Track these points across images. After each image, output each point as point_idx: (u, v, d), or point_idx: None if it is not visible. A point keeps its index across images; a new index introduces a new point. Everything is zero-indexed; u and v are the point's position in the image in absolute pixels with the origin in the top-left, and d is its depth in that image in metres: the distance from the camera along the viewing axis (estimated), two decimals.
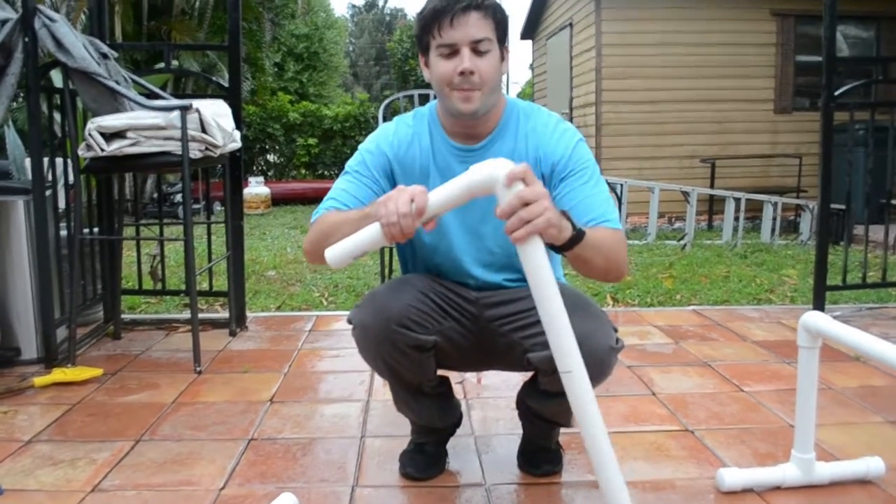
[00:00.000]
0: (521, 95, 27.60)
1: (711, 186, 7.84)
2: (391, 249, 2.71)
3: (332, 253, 1.25)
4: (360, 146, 1.62)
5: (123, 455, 1.95)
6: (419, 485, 1.76)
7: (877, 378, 2.50)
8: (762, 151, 8.31)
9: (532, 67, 14.54)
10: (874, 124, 4.07)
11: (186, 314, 3.48)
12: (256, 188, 9.66)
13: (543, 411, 1.67)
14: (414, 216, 1.18)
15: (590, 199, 1.46)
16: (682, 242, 6.06)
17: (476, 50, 1.44)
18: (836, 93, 3.44)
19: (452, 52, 1.44)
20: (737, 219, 6.48)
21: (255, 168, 12.01)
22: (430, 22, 1.45)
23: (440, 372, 1.69)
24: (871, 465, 1.73)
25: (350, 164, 1.60)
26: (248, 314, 3.49)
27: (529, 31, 12.69)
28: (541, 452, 1.79)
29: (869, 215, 4.53)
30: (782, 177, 8.18)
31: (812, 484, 1.70)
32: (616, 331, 1.50)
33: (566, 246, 1.27)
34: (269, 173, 12.12)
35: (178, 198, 7.67)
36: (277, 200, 10.14)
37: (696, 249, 5.86)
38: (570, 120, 9.51)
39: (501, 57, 1.49)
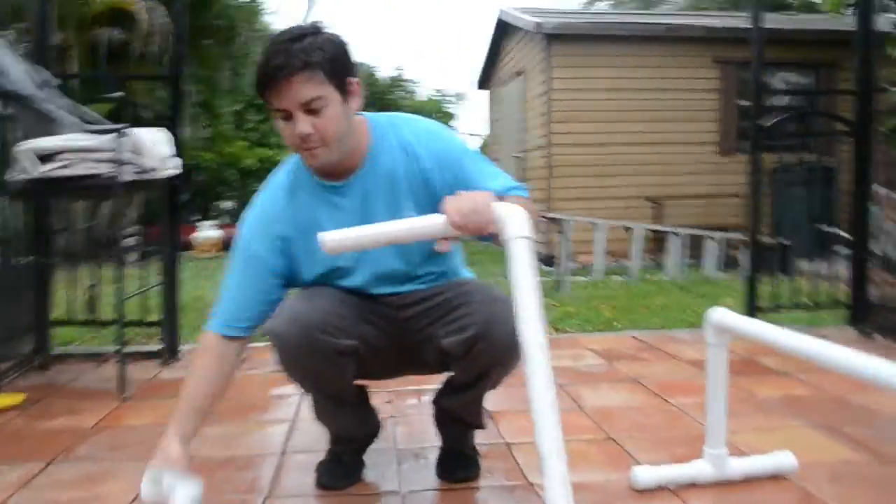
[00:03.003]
0: (483, 145, 27.87)
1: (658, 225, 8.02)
2: None
3: None
4: (245, 224, 1.59)
5: (33, 476, 1.88)
6: (334, 494, 1.74)
7: (801, 388, 2.55)
8: (707, 192, 8.56)
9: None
10: (807, 166, 4.26)
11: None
12: (208, 231, 9.61)
13: (457, 408, 1.68)
14: None
15: (486, 175, 1.52)
16: (626, 277, 6.16)
17: (309, 110, 1.41)
18: (767, 125, 3.59)
19: (287, 115, 1.42)
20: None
21: (210, 212, 11.98)
22: (258, 89, 1.43)
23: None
24: (783, 459, 1.76)
25: (240, 251, 1.58)
26: (184, 347, 3.43)
27: (485, 82, 13.00)
28: (457, 458, 1.79)
29: (803, 248, 4.68)
30: (727, 216, 8.41)
31: (726, 480, 1.72)
32: None
33: None
34: (227, 219, 12.08)
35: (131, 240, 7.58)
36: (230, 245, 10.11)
37: (640, 284, 5.96)
38: (523, 161, 9.70)
39: (344, 100, 1.45)
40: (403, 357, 1.67)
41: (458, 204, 1.29)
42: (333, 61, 1.41)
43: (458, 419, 1.71)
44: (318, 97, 1.40)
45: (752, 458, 1.78)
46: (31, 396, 2.62)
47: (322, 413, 1.73)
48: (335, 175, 1.54)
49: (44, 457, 2.02)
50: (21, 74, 2.67)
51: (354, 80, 1.48)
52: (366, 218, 1.51)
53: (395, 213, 1.51)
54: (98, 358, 3.25)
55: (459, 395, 1.63)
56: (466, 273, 1.75)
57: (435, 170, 1.54)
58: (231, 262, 1.59)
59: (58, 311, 3.74)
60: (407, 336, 1.62)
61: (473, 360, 1.52)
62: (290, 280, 1.60)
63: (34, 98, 2.66)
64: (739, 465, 1.73)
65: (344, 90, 1.45)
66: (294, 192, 1.58)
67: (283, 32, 1.44)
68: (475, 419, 1.68)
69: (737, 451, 1.88)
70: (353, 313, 1.58)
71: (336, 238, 1.32)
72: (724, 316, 1.62)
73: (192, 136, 11.39)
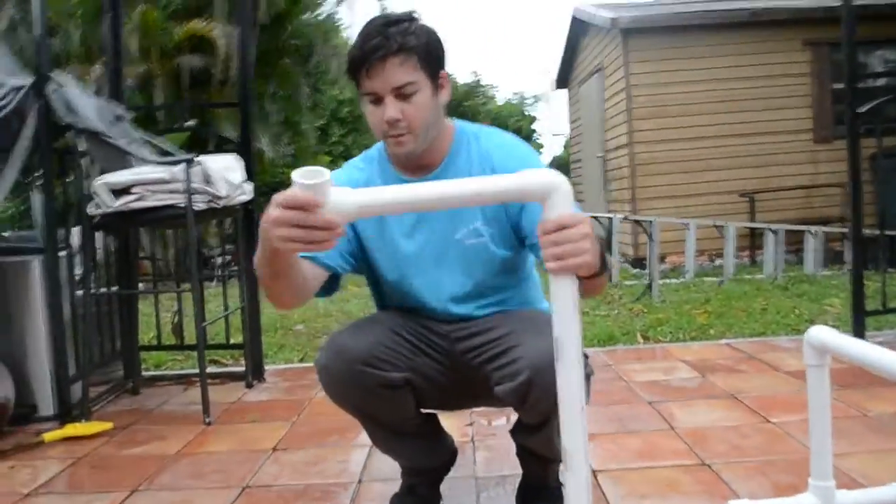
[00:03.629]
0: (567, 145, 27.34)
1: (752, 221, 7.61)
2: None
3: None
4: None
5: None
6: None
7: None
8: (803, 182, 8.07)
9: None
10: None
11: (209, 369, 3.48)
12: None
13: (533, 446, 1.58)
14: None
15: None
16: (719, 279, 5.86)
17: (400, 94, 1.37)
18: (860, 110, 3.32)
19: (377, 99, 1.38)
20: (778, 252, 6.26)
21: None
22: (351, 70, 1.40)
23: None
24: None
25: None
26: (270, 367, 3.47)
27: (563, 81, 12.77)
28: (538, 490, 1.68)
29: None
30: (826, 207, 7.90)
31: None
32: (587, 357, 1.40)
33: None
34: None
35: (219, 260, 7.81)
36: None
37: (735, 284, 5.66)
38: (604, 162, 9.45)
39: (434, 90, 1.42)
40: (463, 392, 1.60)
41: (556, 246, 1.04)
42: (428, 49, 1.40)
43: (537, 455, 1.61)
44: (410, 82, 1.37)
45: (865, 490, 1.60)
46: (120, 422, 2.68)
47: (383, 444, 1.68)
48: (413, 170, 1.50)
49: (128, 485, 2.05)
50: (91, 111, 2.74)
51: (445, 73, 1.45)
52: (426, 220, 1.49)
53: (458, 223, 1.48)
54: (185, 380, 3.32)
55: (531, 435, 1.53)
56: (539, 297, 1.65)
57: None
58: None
59: (147, 335, 3.87)
60: (463, 372, 1.54)
61: (531, 409, 1.42)
62: (356, 250, 1.52)
63: (105, 134, 2.73)
64: (850, 499, 1.55)
65: (435, 81, 1.42)
66: (370, 178, 1.53)
67: (378, 17, 1.43)
68: (555, 454, 1.57)
69: (847, 478, 1.71)
70: (407, 345, 1.52)
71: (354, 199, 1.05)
72: (824, 334, 1.45)
73: (276, 154, 11.66)
